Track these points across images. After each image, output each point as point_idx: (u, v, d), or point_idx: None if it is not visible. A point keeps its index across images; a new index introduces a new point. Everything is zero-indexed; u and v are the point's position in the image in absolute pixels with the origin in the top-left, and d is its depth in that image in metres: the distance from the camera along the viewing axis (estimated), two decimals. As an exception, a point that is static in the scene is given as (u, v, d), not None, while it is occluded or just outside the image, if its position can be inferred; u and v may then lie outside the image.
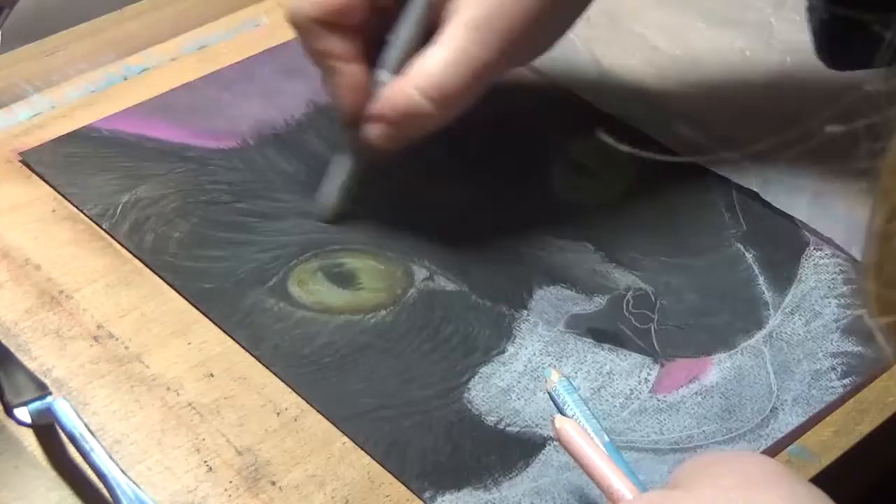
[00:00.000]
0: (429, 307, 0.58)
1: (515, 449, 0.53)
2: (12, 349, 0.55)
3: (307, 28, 0.60)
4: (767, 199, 0.64)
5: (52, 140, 0.64)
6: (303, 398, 0.54)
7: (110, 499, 0.49)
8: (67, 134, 0.65)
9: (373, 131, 0.59)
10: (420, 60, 0.59)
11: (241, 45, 0.72)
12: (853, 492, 0.58)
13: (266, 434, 0.53)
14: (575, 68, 0.72)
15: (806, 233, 0.63)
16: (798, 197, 0.65)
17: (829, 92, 0.65)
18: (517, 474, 0.52)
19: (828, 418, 0.55)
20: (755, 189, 0.65)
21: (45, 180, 0.62)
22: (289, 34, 0.72)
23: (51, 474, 0.51)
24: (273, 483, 0.52)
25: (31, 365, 0.55)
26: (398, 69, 0.59)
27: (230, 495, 0.51)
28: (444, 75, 0.58)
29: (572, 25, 0.63)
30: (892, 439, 0.57)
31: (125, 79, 0.69)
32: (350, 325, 0.57)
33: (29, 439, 0.52)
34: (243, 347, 0.56)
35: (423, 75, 0.58)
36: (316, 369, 0.55)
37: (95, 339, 0.56)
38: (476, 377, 0.56)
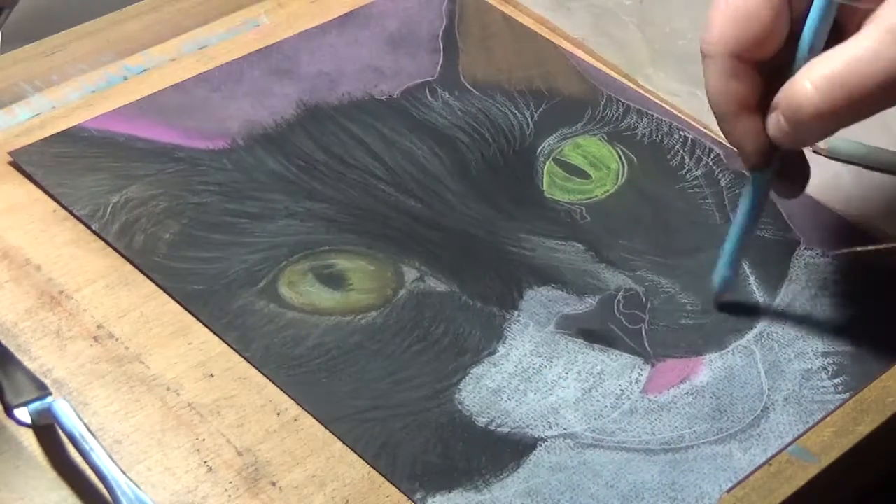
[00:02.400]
0: (419, 308, 0.58)
1: (506, 450, 0.53)
2: (12, 349, 0.55)
3: (721, 63, 0.56)
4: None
5: (42, 140, 0.64)
6: (293, 400, 0.54)
7: (110, 499, 0.49)
8: (57, 133, 0.65)
9: (770, 122, 0.55)
10: (824, 54, 0.54)
11: (242, 46, 0.71)
12: (853, 492, 0.58)
13: (266, 434, 0.53)
14: (626, 48, 0.72)
15: (797, 232, 0.63)
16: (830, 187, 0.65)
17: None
18: (508, 475, 0.52)
19: (828, 419, 0.56)
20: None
21: (33, 180, 0.62)
22: (289, 34, 0.72)
23: (51, 475, 0.51)
24: (273, 483, 0.52)
25: (32, 365, 0.54)
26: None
27: (230, 496, 0.51)
28: (843, 72, 0.53)
29: None
30: (892, 439, 0.57)
31: (125, 79, 0.69)
32: (340, 327, 0.57)
33: (29, 440, 0.52)
34: (233, 349, 0.56)
35: (819, 69, 0.53)
36: (306, 371, 0.55)
37: (95, 339, 0.56)
38: (467, 378, 0.56)
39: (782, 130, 0.55)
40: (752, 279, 0.61)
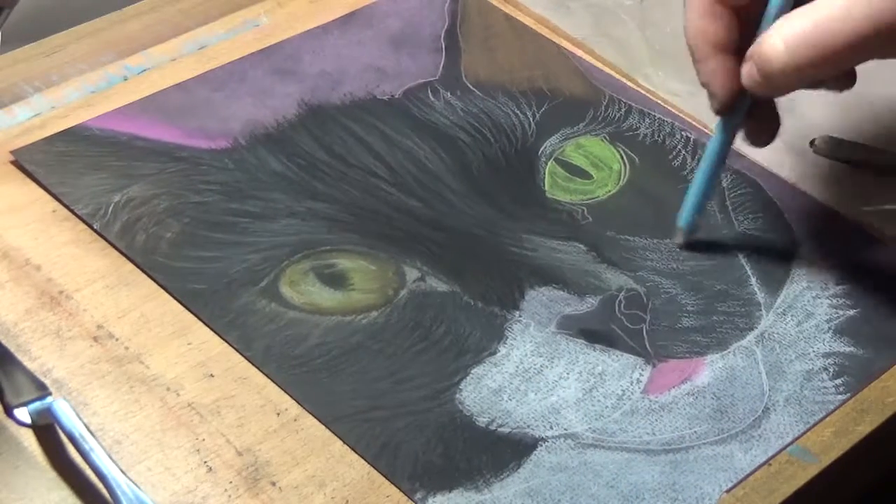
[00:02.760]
0: (420, 308, 0.58)
1: (507, 450, 0.53)
2: (12, 349, 0.55)
3: (700, 2, 0.59)
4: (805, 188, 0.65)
5: (44, 139, 0.64)
6: (294, 399, 0.54)
7: (110, 499, 0.49)
8: (59, 132, 0.65)
9: (744, 70, 0.58)
10: (791, 13, 0.56)
11: (241, 46, 0.71)
12: (853, 492, 0.58)
13: (266, 434, 0.53)
14: (626, 48, 0.73)
15: (799, 233, 0.63)
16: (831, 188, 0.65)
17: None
18: (508, 475, 0.52)
19: (828, 419, 0.56)
20: (790, 179, 0.65)
21: (35, 179, 0.62)
22: (288, 35, 0.72)
23: (51, 475, 0.51)
24: (273, 483, 0.52)
25: (31, 365, 0.55)
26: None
27: (230, 496, 0.51)
28: (813, 30, 0.55)
29: None
30: (892, 439, 0.57)
31: (125, 79, 0.69)
32: (341, 326, 0.57)
33: (29, 440, 0.52)
34: (234, 348, 0.56)
35: (788, 27, 0.56)
36: (307, 370, 0.55)
37: (95, 339, 0.56)
38: (468, 378, 0.56)
39: (754, 80, 0.57)
40: (753, 280, 0.61)
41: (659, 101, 0.70)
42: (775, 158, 0.67)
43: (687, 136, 0.68)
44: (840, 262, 0.62)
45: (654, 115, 0.69)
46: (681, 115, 0.69)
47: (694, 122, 0.69)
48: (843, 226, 0.64)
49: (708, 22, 0.59)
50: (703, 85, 0.60)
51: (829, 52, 0.55)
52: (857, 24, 0.54)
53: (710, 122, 0.59)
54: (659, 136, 0.68)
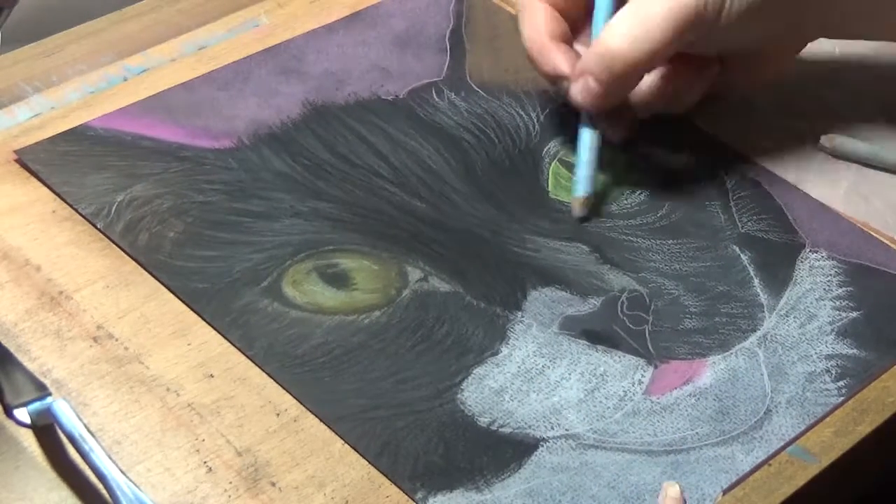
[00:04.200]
0: (423, 308, 0.58)
1: (508, 450, 0.53)
2: (12, 350, 0.55)
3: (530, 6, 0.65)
4: (805, 189, 0.65)
5: (48, 138, 0.64)
6: (296, 399, 0.54)
7: (110, 499, 0.49)
8: (63, 132, 0.65)
9: (576, 89, 0.63)
10: (613, 18, 0.62)
11: (241, 46, 0.72)
12: (853, 492, 0.58)
13: (266, 435, 0.53)
14: None
15: (802, 234, 0.63)
16: (835, 188, 0.65)
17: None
18: (509, 475, 0.52)
19: (828, 418, 0.55)
20: (791, 181, 0.65)
21: (39, 178, 0.62)
22: (288, 36, 0.72)
23: (50, 475, 0.51)
24: (273, 484, 0.52)
25: (31, 366, 0.55)
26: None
27: (230, 496, 0.51)
28: (639, 23, 0.61)
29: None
30: (893, 439, 0.57)
31: (125, 79, 0.69)
32: (344, 326, 0.57)
33: (29, 440, 0.52)
34: (237, 348, 0.56)
35: (620, 27, 0.62)
36: (309, 370, 0.55)
37: (95, 339, 0.56)
38: (469, 378, 0.56)
39: (592, 92, 0.63)
40: (756, 281, 0.61)
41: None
42: (779, 160, 0.67)
43: (693, 138, 0.68)
44: (843, 264, 0.62)
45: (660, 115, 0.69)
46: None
47: (700, 124, 0.69)
48: (846, 228, 0.64)
49: (544, 19, 0.64)
50: (552, 75, 0.65)
51: (665, 43, 0.61)
52: (679, 12, 0.61)
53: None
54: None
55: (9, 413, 0.52)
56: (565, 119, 0.68)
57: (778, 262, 0.62)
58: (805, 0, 0.64)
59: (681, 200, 0.65)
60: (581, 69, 0.63)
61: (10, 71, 0.68)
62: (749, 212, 0.64)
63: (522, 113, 0.68)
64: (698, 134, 0.68)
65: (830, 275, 0.61)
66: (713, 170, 0.66)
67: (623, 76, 0.62)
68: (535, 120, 0.68)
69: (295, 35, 0.72)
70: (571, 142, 0.66)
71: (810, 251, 0.63)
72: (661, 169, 0.66)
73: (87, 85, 0.68)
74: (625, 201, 0.64)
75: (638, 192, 0.65)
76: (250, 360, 0.56)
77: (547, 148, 0.67)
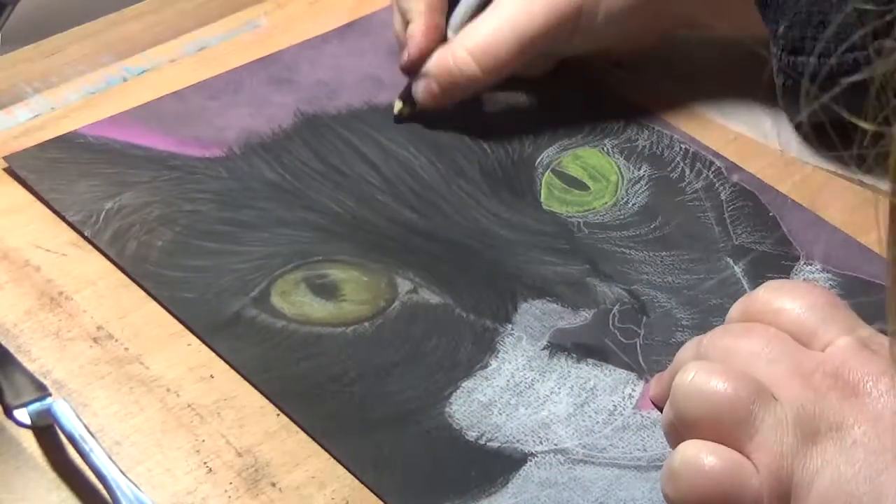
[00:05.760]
0: (412, 320, 0.58)
1: (496, 464, 0.53)
2: (12, 350, 0.55)
3: None
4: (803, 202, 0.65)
5: (37, 145, 0.64)
6: (283, 412, 0.54)
7: (110, 500, 0.49)
8: (52, 139, 0.64)
9: (419, 86, 0.66)
10: (473, 24, 0.65)
11: (241, 47, 0.71)
12: None
13: (266, 435, 0.53)
14: None
15: (797, 247, 0.63)
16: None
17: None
18: (497, 490, 0.52)
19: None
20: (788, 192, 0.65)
21: (27, 185, 0.62)
22: (287, 37, 0.72)
23: (51, 476, 0.51)
24: (273, 484, 0.51)
25: (31, 366, 0.54)
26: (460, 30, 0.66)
27: (230, 497, 0.51)
28: (490, 41, 0.64)
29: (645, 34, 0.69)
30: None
31: (125, 80, 0.69)
32: (332, 338, 0.57)
33: (29, 441, 0.52)
34: (223, 359, 0.56)
35: (472, 38, 0.64)
36: (297, 382, 0.55)
37: (95, 340, 0.56)
38: (458, 391, 0.55)
39: (432, 93, 0.65)
40: (750, 294, 0.60)
41: (657, 113, 0.70)
42: (774, 172, 0.66)
43: (685, 149, 0.67)
44: (838, 276, 0.61)
45: (653, 127, 0.68)
46: (679, 127, 0.69)
47: (693, 135, 0.68)
48: (841, 240, 0.63)
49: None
50: (402, 42, 0.66)
51: (513, 57, 0.64)
52: (541, 24, 0.64)
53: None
54: (657, 147, 0.67)
55: (9, 414, 0.52)
56: (559, 130, 0.67)
57: (772, 275, 0.61)
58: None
59: (674, 212, 0.64)
60: (425, 70, 0.65)
61: (9, 71, 0.68)
62: (743, 224, 0.64)
63: (516, 123, 0.68)
64: (690, 144, 0.68)
65: (825, 287, 0.61)
66: (707, 181, 0.66)
67: (465, 88, 0.65)
68: (529, 130, 0.68)
69: (294, 36, 0.72)
70: (565, 152, 0.66)
71: (805, 264, 0.62)
72: (654, 180, 0.66)
73: (86, 86, 0.68)
74: (618, 213, 0.64)
75: (631, 204, 0.64)
76: (236, 371, 0.55)
77: (540, 158, 0.66)
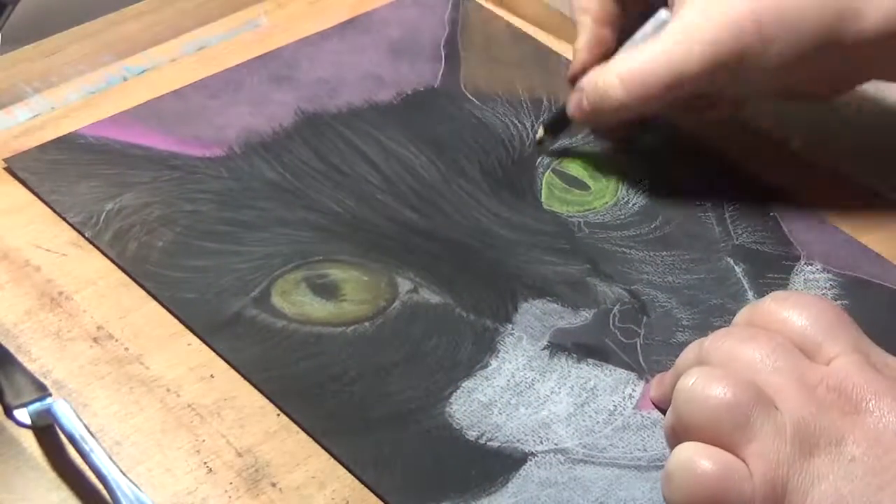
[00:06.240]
0: (412, 320, 0.58)
1: (496, 464, 0.53)
2: (12, 350, 0.55)
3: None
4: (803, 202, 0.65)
5: (37, 146, 0.64)
6: (283, 412, 0.54)
7: (110, 500, 0.49)
8: (52, 140, 0.64)
9: (573, 99, 0.64)
10: (632, 50, 0.63)
11: (241, 46, 0.71)
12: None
13: (266, 435, 0.53)
14: None
15: (797, 247, 0.63)
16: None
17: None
18: (497, 489, 0.52)
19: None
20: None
21: (27, 186, 0.62)
22: (288, 36, 0.72)
23: (50, 476, 0.51)
24: (273, 484, 0.51)
25: (31, 366, 0.54)
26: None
27: (230, 497, 0.51)
28: (641, 68, 0.62)
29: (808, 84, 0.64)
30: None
31: (125, 80, 0.69)
32: (332, 337, 0.57)
33: (29, 441, 0.52)
34: (223, 359, 0.56)
35: (626, 63, 0.63)
36: (297, 382, 0.55)
37: (95, 340, 0.56)
38: (458, 391, 0.55)
39: (581, 109, 0.64)
40: (750, 293, 0.60)
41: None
42: (775, 171, 0.66)
43: (686, 148, 0.67)
44: (839, 277, 0.61)
45: (653, 127, 0.68)
46: (680, 125, 0.69)
47: (694, 132, 0.68)
48: (842, 240, 0.63)
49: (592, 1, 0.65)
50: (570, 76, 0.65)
51: (662, 91, 0.61)
52: (697, 64, 0.61)
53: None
54: (657, 147, 0.67)
55: (9, 414, 0.52)
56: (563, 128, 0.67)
57: (772, 275, 0.61)
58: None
59: (675, 212, 0.64)
60: (580, 85, 0.64)
61: (9, 72, 0.68)
62: (744, 223, 0.64)
63: (517, 122, 0.68)
64: (694, 144, 0.68)
65: (825, 288, 0.61)
66: (708, 181, 0.66)
67: (610, 110, 0.63)
68: (530, 129, 0.68)
69: (294, 35, 0.72)
70: (565, 152, 0.65)
71: (805, 264, 0.62)
72: (655, 179, 0.66)
73: (86, 85, 0.68)
74: (619, 212, 0.64)
75: (632, 203, 0.64)
76: (236, 371, 0.55)
77: (541, 158, 0.66)
